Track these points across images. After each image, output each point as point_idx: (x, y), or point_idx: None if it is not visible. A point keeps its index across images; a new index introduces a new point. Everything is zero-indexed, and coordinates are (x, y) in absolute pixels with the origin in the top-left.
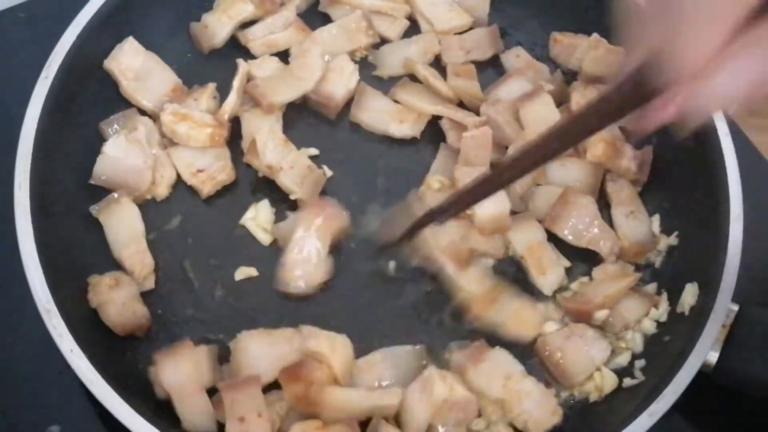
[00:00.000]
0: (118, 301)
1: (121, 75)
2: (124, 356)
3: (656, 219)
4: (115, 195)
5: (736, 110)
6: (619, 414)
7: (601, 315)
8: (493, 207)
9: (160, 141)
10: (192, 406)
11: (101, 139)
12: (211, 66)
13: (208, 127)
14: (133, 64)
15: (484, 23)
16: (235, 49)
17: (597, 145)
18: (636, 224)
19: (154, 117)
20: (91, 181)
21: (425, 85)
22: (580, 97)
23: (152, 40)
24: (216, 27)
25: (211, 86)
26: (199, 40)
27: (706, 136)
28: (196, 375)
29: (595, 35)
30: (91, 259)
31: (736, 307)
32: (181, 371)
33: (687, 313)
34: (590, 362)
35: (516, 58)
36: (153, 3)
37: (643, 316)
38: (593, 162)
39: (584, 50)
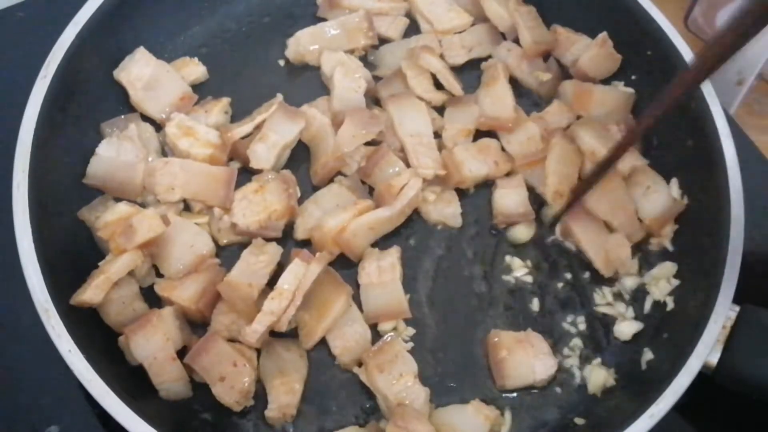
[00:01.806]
0: (118, 299)
1: (130, 85)
2: (123, 356)
3: (674, 183)
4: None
5: (736, 109)
6: (619, 415)
7: None
8: None
9: (158, 149)
10: (166, 375)
11: (101, 139)
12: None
13: (210, 148)
14: (143, 74)
15: (484, 21)
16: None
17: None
18: (656, 197)
19: (162, 126)
20: (85, 181)
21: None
22: (571, 93)
23: (152, 40)
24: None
25: (225, 101)
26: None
27: (706, 136)
28: (167, 343)
29: (604, 34)
30: (89, 258)
31: (737, 309)
32: (151, 343)
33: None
34: (530, 373)
35: (507, 51)
36: (153, 2)
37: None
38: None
39: (582, 47)
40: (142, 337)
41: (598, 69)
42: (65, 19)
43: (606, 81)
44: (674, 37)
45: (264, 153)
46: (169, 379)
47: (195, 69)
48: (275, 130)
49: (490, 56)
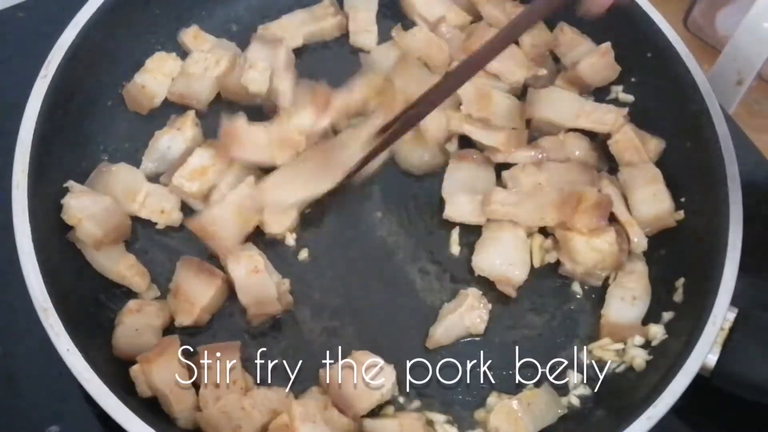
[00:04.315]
0: (131, 325)
1: None
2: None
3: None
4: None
5: (735, 110)
6: (616, 417)
7: None
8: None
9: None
10: (186, 403)
11: (100, 138)
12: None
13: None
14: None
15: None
16: None
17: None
18: (660, 204)
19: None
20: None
21: None
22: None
23: (152, 41)
24: (153, 86)
25: (191, 113)
26: (138, 101)
27: (706, 138)
28: (186, 370)
29: (607, 44)
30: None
31: (735, 311)
32: (171, 371)
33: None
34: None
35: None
36: (153, 4)
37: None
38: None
39: (584, 52)
40: (164, 364)
41: (596, 77)
42: (66, 19)
43: (605, 86)
44: (674, 38)
45: (258, 77)
46: (188, 407)
47: (174, 64)
48: (260, 57)
49: None
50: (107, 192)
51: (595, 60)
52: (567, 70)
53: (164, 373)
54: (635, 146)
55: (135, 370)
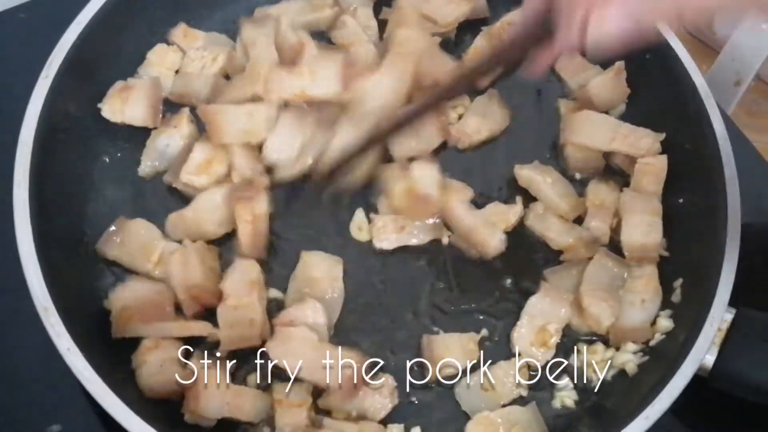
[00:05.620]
0: (156, 363)
1: None
2: (123, 356)
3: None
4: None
5: (734, 110)
6: (615, 417)
7: None
8: (644, 236)
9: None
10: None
11: (100, 139)
12: None
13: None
14: None
15: (484, 11)
16: None
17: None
18: (651, 235)
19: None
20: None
21: None
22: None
23: (153, 41)
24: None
25: (185, 110)
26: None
27: (704, 138)
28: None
29: (620, 63)
30: (89, 257)
31: (732, 311)
32: (216, 398)
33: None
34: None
35: None
36: (154, 4)
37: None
38: None
39: (592, 75)
40: (209, 395)
41: (604, 97)
42: (67, 20)
43: None
44: (673, 40)
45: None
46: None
47: (175, 56)
48: (255, 35)
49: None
50: (123, 247)
51: (607, 79)
52: (572, 93)
53: (211, 401)
54: (660, 177)
55: (138, 358)
